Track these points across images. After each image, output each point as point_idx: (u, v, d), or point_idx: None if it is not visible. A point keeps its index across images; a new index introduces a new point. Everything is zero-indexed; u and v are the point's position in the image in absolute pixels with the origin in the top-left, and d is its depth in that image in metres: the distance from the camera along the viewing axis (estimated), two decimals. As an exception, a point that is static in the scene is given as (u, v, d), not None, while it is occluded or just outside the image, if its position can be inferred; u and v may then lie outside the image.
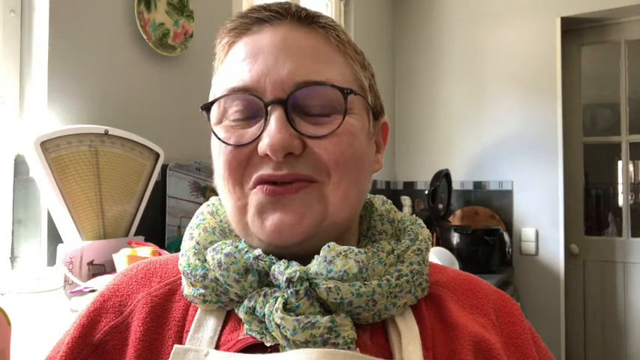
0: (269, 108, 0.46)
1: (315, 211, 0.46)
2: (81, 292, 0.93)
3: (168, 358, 0.43)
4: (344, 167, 0.47)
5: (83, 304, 0.54)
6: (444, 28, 2.75)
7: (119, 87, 1.22)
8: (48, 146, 0.97)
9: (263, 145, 0.45)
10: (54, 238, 1.03)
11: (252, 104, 0.47)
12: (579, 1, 2.41)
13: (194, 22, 1.40)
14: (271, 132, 0.45)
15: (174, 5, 1.35)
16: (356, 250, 0.45)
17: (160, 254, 0.99)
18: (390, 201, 0.58)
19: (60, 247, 0.98)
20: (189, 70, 1.41)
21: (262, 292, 0.44)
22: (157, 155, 1.20)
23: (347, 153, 0.47)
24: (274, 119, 0.45)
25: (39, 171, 0.97)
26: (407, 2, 2.87)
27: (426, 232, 0.54)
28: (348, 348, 0.42)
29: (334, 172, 0.46)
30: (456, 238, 2.23)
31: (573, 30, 2.54)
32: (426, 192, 2.33)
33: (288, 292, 0.43)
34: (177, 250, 0.73)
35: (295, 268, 0.44)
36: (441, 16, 2.76)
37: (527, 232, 2.50)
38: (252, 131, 0.47)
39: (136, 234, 1.15)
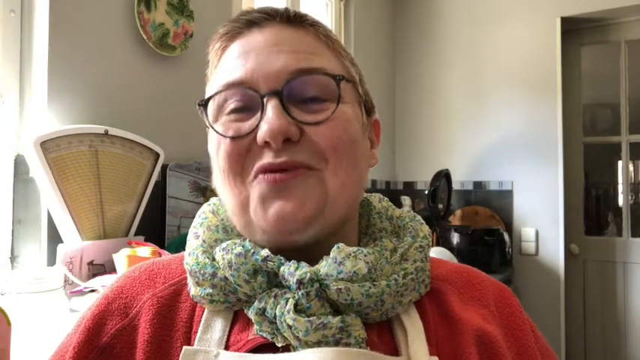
0: (265, 99, 0.47)
1: (315, 196, 0.46)
2: (81, 292, 0.93)
3: (178, 359, 0.43)
4: (341, 152, 0.48)
5: (85, 306, 0.53)
6: (444, 28, 2.75)
7: (119, 87, 1.22)
8: (48, 146, 0.97)
9: (262, 133, 0.46)
10: (54, 238, 1.03)
11: (248, 97, 0.48)
12: (579, 1, 2.41)
13: (194, 22, 1.40)
14: (269, 119, 0.45)
15: (174, 5, 1.35)
16: (365, 251, 0.46)
17: (160, 254, 0.99)
18: (386, 198, 0.59)
19: (60, 247, 0.98)
20: (189, 70, 1.41)
21: (272, 294, 0.45)
22: (157, 155, 1.20)
23: (343, 138, 0.48)
24: (271, 108, 0.46)
25: (39, 171, 0.97)
26: (407, 2, 2.87)
27: (426, 228, 0.54)
28: (360, 347, 0.42)
29: (331, 157, 0.47)
30: (456, 238, 2.23)
31: (573, 30, 2.54)
32: (426, 192, 2.33)
33: (299, 293, 0.43)
34: (177, 250, 0.73)
35: (305, 269, 0.44)
36: (441, 16, 2.75)
37: (527, 232, 2.50)
38: (249, 123, 0.48)
39: (136, 234, 1.15)
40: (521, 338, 0.50)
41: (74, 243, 1.01)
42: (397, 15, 2.90)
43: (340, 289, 0.43)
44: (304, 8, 2.08)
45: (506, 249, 2.32)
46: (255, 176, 0.47)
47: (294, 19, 0.51)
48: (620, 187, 2.59)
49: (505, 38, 2.57)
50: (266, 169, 0.46)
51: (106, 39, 1.19)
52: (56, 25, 1.07)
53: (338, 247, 0.46)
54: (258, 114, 0.47)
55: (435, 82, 2.77)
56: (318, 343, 0.42)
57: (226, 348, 0.45)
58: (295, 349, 0.43)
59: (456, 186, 2.56)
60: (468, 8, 2.67)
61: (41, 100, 1.06)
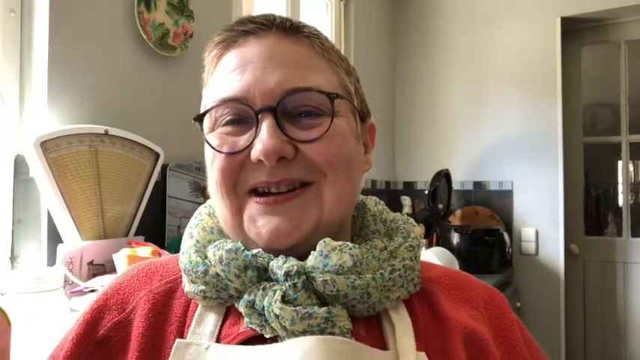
0: (259, 116, 0.47)
1: (312, 216, 0.48)
2: (81, 292, 0.93)
3: (170, 352, 0.45)
4: (337, 167, 0.49)
5: (85, 303, 0.55)
6: (444, 28, 2.75)
7: (119, 87, 1.22)
8: (48, 146, 0.97)
9: (256, 152, 0.46)
10: (54, 238, 1.03)
11: (243, 113, 0.49)
12: (579, 1, 2.41)
13: (194, 22, 1.40)
14: (263, 138, 0.46)
15: (174, 5, 1.35)
16: (350, 245, 0.47)
17: (160, 254, 0.99)
18: (382, 202, 0.60)
19: (60, 247, 0.99)
20: (189, 70, 1.41)
21: (261, 286, 0.46)
22: (157, 155, 1.20)
23: (339, 154, 0.49)
24: (265, 126, 0.47)
25: (39, 171, 0.97)
26: (407, 2, 2.87)
27: (418, 229, 0.56)
28: (344, 337, 0.44)
29: (329, 172, 0.48)
30: (456, 238, 2.23)
31: (573, 30, 2.54)
32: (426, 192, 2.33)
33: (287, 284, 0.44)
34: (177, 250, 0.73)
35: (293, 262, 0.46)
36: (441, 16, 2.75)
37: (527, 232, 2.50)
38: (244, 139, 0.48)
39: (136, 234, 1.15)
40: (510, 339, 0.51)
41: (74, 243, 1.01)
42: (397, 15, 2.90)
43: (326, 280, 0.44)
44: (304, 8, 2.08)
45: (506, 249, 2.32)
46: (249, 193, 0.49)
47: (290, 30, 0.51)
48: (620, 187, 2.59)
49: (505, 38, 2.57)
50: (262, 186, 0.48)
51: (106, 39, 1.19)
52: (56, 25, 1.07)
53: (324, 241, 0.47)
54: (253, 129, 0.48)
55: (435, 82, 2.76)
56: (304, 333, 0.43)
57: (218, 341, 0.47)
58: (282, 339, 0.44)
59: (456, 186, 2.56)
60: (468, 8, 2.67)
61: (41, 100, 1.06)
